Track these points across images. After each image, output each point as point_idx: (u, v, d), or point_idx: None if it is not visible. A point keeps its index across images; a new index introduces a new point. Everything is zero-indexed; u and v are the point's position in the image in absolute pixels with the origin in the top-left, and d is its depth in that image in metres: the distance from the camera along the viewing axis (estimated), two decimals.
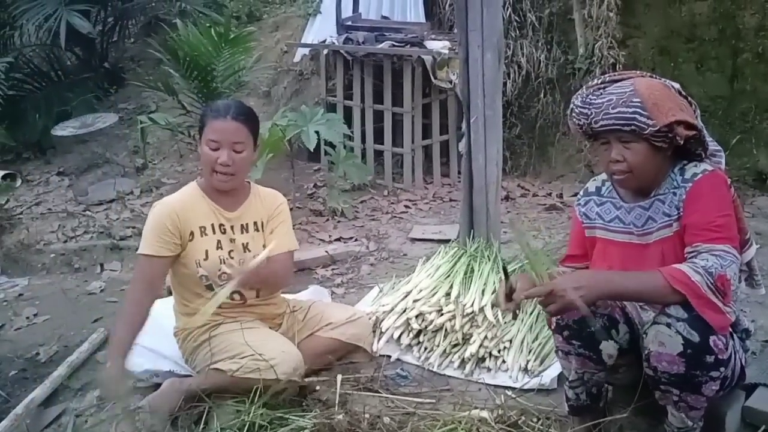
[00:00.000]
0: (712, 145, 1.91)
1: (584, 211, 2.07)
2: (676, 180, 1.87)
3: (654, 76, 1.90)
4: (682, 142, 1.81)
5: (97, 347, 2.93)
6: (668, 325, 1.71)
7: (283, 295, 2.66)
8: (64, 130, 5.61)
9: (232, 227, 2.42)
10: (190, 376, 2.43)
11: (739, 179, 4.13)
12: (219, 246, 2.38)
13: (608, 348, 1.89)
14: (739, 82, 4.17)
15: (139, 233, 4.26)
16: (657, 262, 1.87)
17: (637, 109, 1.77)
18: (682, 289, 1.68)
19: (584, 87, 1.93)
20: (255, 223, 2.46)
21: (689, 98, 1.89)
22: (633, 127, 1.78)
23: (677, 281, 1.69)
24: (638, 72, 1.92)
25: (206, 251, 2.36)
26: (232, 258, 2.38)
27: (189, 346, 2.45)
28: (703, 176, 1.82)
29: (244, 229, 2.44)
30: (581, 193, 2.12)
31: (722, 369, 1.73)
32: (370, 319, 2.69)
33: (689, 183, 1.83)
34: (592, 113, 1.84)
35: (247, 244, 2.42)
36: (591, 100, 1.85)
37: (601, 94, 1.84)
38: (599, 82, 1.89)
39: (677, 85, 1.89)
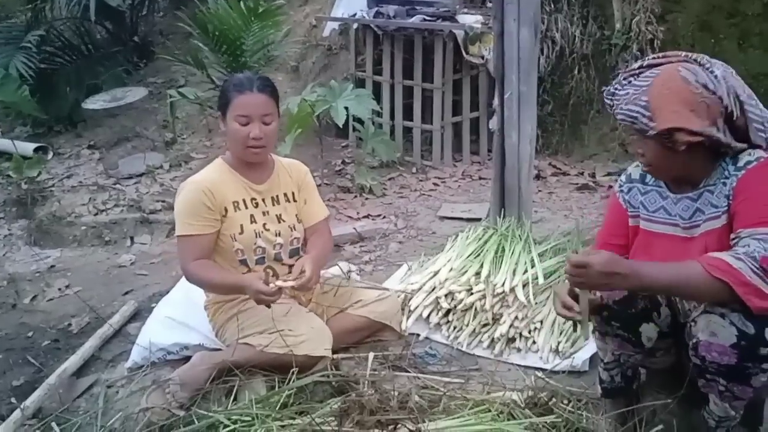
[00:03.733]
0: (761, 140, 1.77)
1: (627, 199, 1.98)
2: (727, 169, 1.77)
3: (699, 60, 1.76)
4: (683, 149, 1.71)
5: (127, 319, 2.95)
6: (722, 315, 1.64)
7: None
8: (94, 103, 5.64)
9: (263, 200, 2.43)
10: (220, 349, 2.44)
11: None
12: (253, 220, 2.39)
13: (648, 331, 1.84)
14: None
15: (169, 207, 4.36)
16: (700, 255, 1.77)
17: (641, 110, 1.72)
18: (724, 277, 1.58)
19: (625, 70, 1.87)
20: (285, 195, 2.48)
21: (713, 89, 1.70)
22: (637, 126, 1.74)
23: (718, 269, 1.60)
24: (681, 54, 1.79)
25: (241, 225, 2.37)
26: (267, 230, 2.40)
27: (219, 319, 2.45)
28: (757, 164, 1.73)
29: (275, 201, 2.45)
30: (623, 178, 2.02)
31: None
32: (398, 297, 2.67)
33: (741, 171, 1.74)
34: (613, 104, 1.82)
35: (280, 215, 2.44)
36: (615, 89, 1.82)
37: (626, 84, 1.79)
38: (637, 66, 1.81)
39: (720, 70, 1.73)
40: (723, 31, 4.21)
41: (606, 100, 1.88)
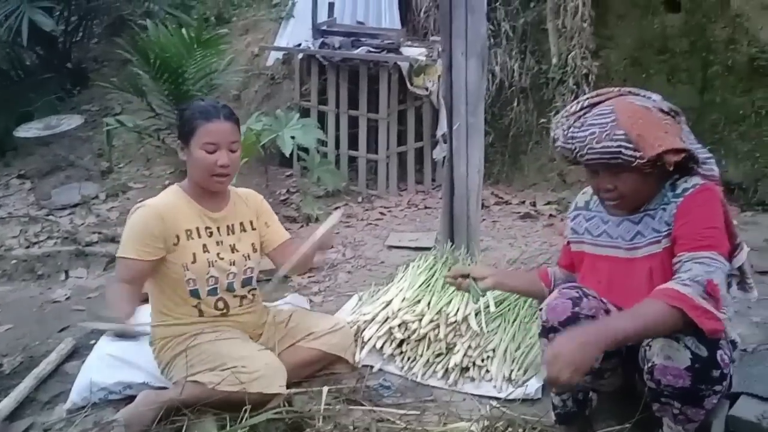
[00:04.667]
0: (702, 153, 1.88)
1: (572, 226, 2.08)
2: (667, 195, 1.86)
3: (632, 91, 1.87)
4: (672, 168, 1.80)
5: (64, 358, 2.80)
6: (677, 339, 1.70)
7: (264, 304, 2.60)
8: (27, 131, 5.42)
9: (218, 228, 2.38)
10: (166, 388, 2.35)
11: None
12: (206, 249, 2.33)
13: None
14: (708, 93, 4.26)
15: (106, 238, 4.20)
16: (644, 277, 1.87)
17: (622, 143, 1.74)
18: (678, 304, 1.64)
19: (564, 114, 1.90)
20: (242, 224, 2.43)
21: (672, 110, 1.85)
22: (620, 160, 1.77)
23: (672, 298, 1.65)
24: (616, 89, 1.88)
25: (193, 254, 2.31)
26: (222, 259, 2.35)
27: (166, 356, 2.36)
28: (693, 191, 1.81)
29: (230, 230, 2.41)
30: (572, 206, 2.13)
31: (725, 383, 1.73)
32: (351, 328, 2.64)
33: (680, 198, 1.83)
34: (576, 148, 1.83)
35: (234, 245, 2.39)
36: (574, 133, 1.83)
37: (582, 125, 1.81)
38: (578, 108, 1.86)
39: (657, 97, 1.86)
40: (653, 67, 4.43)
41: (565, 146, 1.86)
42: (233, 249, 2.39)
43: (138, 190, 5.05)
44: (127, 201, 4.86)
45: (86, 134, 5.94)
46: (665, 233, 1.84)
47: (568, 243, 2.12)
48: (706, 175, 1.87)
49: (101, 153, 5.65)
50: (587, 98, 1.88)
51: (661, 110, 1.82)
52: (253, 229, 2.47)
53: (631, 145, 1.74)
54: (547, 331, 1.91)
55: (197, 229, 2.34)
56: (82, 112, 6.25)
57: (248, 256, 2.41)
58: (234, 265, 2.37)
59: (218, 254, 2.35)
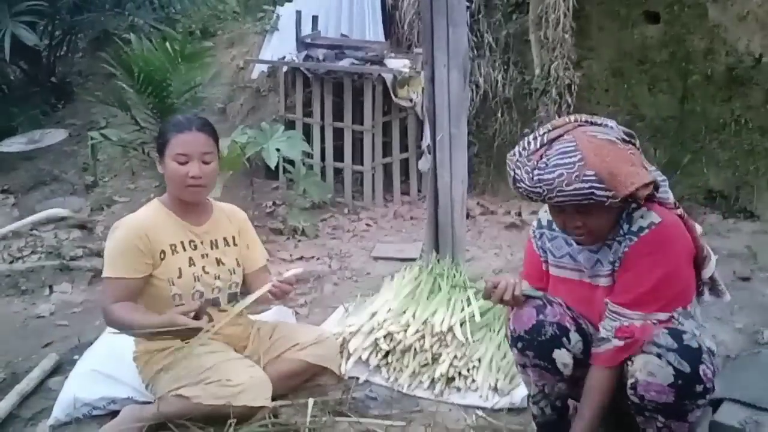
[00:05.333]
0: (658, 177, 1.86)
1: (539, 244, 2.07)
2: (623, 228, 1.85)
3: (589, 120, 1.81)
4: (642, 202, 1.81)
5: (48, 373, 2.78)
6: (658, 356, 1.72)
7: (249, 316, 2.59)
8: (9, 146, 5.39)
9: (202, 242, 2.37)
10: (150, 402, 2.33)
11: (690, 198, 4.25)
12: (192, 263, 2.33)
13: (562, 357, 1.90)
14: (689, 103, 4.30)
15: (91, 253, 4.17)
16: (603, 308, 1.90)
17: (593, 184, 1.69)
18: (615, 363, 1.84)
19: (524, 153, 1.79)
20: (225, 239, 2.43)
21: (629, 135, 1.81)
22: (591, 200, 1.72)
23: (611, 360, 1.85)
24: (572, 120, 1.81)
25: (179, 269, 2.30)
26: (207, 273, 2.34)
27: (150, 370, 2.35)
28: (649, 232, 1.80)
29: (213, 244, 2.40)
30: (535, 224, 2.10)
31: (708, 396, 1.75)
32: (336, 339, 2.64)
33: (635, 236, 1.82)
34: (544, 191, 1.74)
35: (220, 258, 2.39)
36: (539, 176, 1.73)
37: (547, 166, 1.72)
38: (538, 145, 1.77)
39: (613, 124, 1.82)
40: (634, 77, 4.48)
41: (531, 190, 1.77)
42: (219, 262, 2.39)
43: (123, 204, 5.02)
44: (112, 215, 4.82)
45: (71, 148, 5.91)
46: (612, 269, 1.88)
47: (540, 261, 2.08)
48: (662, 202, 1.86)
49: (86, 167, 5.61)
50: (544, 133, 1.80)
51: (623, 140, 1.78)
52: (236, 244, 2.46)
53: (602, 185, 1.69)
54: (515, 341, 1.93)
55: (181, 243, 2.33)
56: (66, 127, 6.21)
57: (233, 270, 2.41)
58: (219, 279, 2.37)
59: (203, 267, 2.34)
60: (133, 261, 2.23)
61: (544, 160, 1.74)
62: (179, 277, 2.30)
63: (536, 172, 1.74)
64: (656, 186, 1.82)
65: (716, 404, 2.14)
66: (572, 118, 1.82)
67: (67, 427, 2.35)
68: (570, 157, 1.71)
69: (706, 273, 1.95)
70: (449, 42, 2.82)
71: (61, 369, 2.81)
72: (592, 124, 1.80)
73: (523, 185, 1.79)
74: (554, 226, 1.98)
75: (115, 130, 5.08)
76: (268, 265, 2.61)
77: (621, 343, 1.81)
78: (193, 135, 2.27)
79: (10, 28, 5.59)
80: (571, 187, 1.70)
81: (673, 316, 1.82)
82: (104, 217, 4.82)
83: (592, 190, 1.70)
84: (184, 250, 2.33)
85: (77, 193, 5.28)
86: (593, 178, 1.68)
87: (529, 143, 1.80)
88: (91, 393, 2.42)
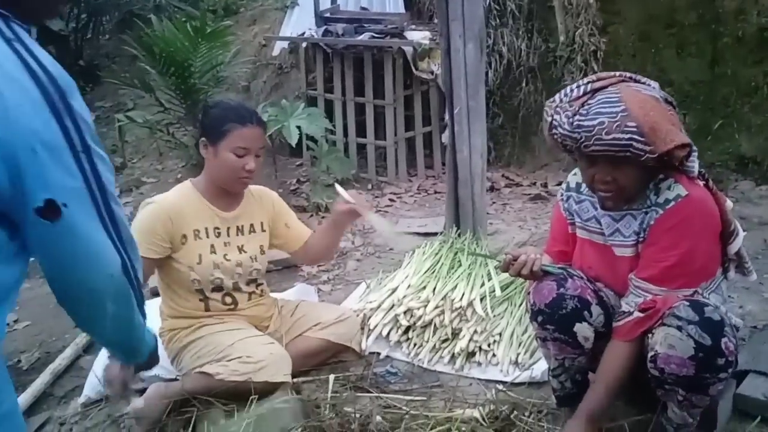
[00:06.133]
0: None
1: (566, 207, 2.05)
2: (650, 199, 1.82)
3: (633, 77, 1.79)
4: (677, 164, 1.76)
5: (80, 353, 2.86)
6: (679, 328, 1.69)
7: (272, 295, 2.62)
8: None
9: (228, 229, 2.38)
10: (176, 379, 2.39)
11: (721, 164, 4.15)
12: (213, 250, 2.34)
13: (583, 330, 1.88)
14: (719, 66, 4.18)
15: None
16: (626, 272, 1.88)
17: (634, 136, 1.65)
18: (633, 336, 1.81)
19: (565, 99, 1.77)
20: (251, 225, 2.44)
21: (670, 101, 1.80)
22: (628, 154, 1.68)
23: (629, 333, 1.82)
24: (616, 75, 1.79)
25: (199, 255, 2.32)
26: (228, 261, 2.35)
27: (174, 347, 2.40)
28: (675, 205, 1.77)
29: (239, 231, 2.41)
30: (563, 187, 2.08)
31: (730, 370, 1.72)
32: (357, 316, 2.65)
33: (661, 209, 1.79)
34: (582, 137, 1.71)
35: (242, 246, 2.40)
36: (579, 122, 1.70)
37: (588, 113, 1.70)
38: (580, 93, 1.75)
39: (656, 85, 1.79)
40: (662, 41, 4.36)
41: (569, 134, 1.74)
42: (241, 250, 2.39)
43: (151, 185, 5.10)
44: (140, 196, 4.90)
45: (100, 131, 5.99)
46: (638, 240, 1.85)
47: (567, 223, 2.07)
48: (688, 173, 1.81)
49: (115, 149, 5.70)
50: (587, 82, 1.78)
51: (665, 100, 1.76)
52: (263, 230, 2.47)
53: (642, 139, 1.65)
54: (535, 315, 1.92)
55: (206, 229, 2.34)
56: (95, 109, 6.31)
57: (255, 257, 2.43)
58: (240, 266, 2.38)
59: (225, 255, 2.35)
60: (149, 241, 2.25)
61: (585, 107, 1.72)
62: (199, 263, 2.32)
63: (577, 117, 1.71)
64: (687, 155, 1.78)
65: (741, 376, 2.11)
66: (616, 73, 1.81)
67: (98, 404, 2.41)
68: (613, 107, 1.68)
69: (732, 248, 1.90)
70: (464, 12, 2.78)
71: (92, 348, 2.89)
72: (636, 81, 1.79)
73: (560, 130, 1.76)
74: (582, 188, 1.97)
75: (141, 111, 5.15)
76: None
77: (641, 314, 1.79)
78: (254, 130, 2.28)
79: None
80: (611, 137, 1.67)
81: (697, 291, 1.79)
82: (133, 198, 4.91)
83: (632, 142, 1.66)
84: (207, 236, 2.34)
85: None
86: (634, 129, 1.65)
87: (571, 90, 1.78)
88: None
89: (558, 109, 1.78)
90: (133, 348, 1.38)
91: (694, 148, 1.82)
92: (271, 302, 2.59)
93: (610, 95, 1.71)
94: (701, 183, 1.84)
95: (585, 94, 1.75)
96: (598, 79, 1.78)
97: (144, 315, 1.30)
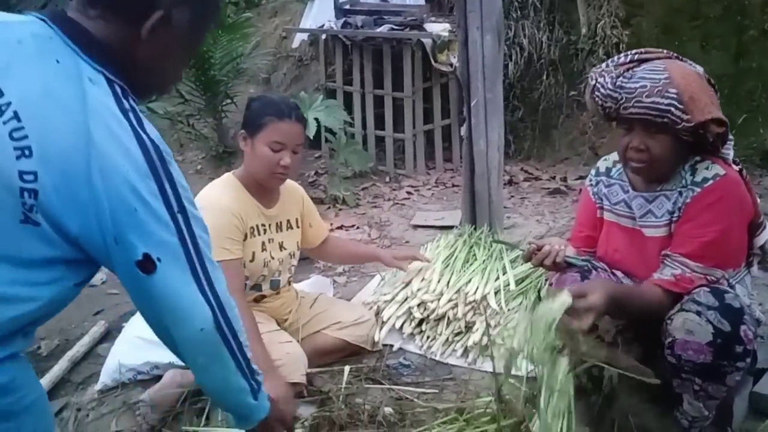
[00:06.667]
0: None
1: (596, 191, 2.04)
2: (685, 178, 1.81)
3: (679, 57, 1.83)
4: (711, 140, 1.75)
5: (98, 340, 2.90)
6: (698, 313, 1.67)
7: (295, 288, 2.63)
8: None
9: (270, 225, 2.37)
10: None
11: (745, 159, 4.06)
12: (263, 247, 2.34)
13: (604, 323, 1.84)
14: (744, 59, 4.10)
15: None
16: (656, 254, 1.85)
17: (673, 102, 1.68)
18: (667, 287, 1.76)
19: (610, 64, 1.82)
20: (288, 221, 2.44)
21: (712, 82, 1.82)
22: (666, 120, 1.70)
23: (662, 282, 1.78)
24: (665, 52, 1.83)
25: (253, 252, 2.31)
26: (273, 258, 2.36)
27: None
28: (714, 183, 1.77)
29: (279, 227, 2.41)
30: (592, 173, 2.08)
31: (748, 359, 1.70)
32: (371, 309, 2.65)
33: (698, 188, 1.78)
34: (622, 98, 1.75)
35: (282, 242, 2.40)
36: (622, 83, 1.75)
37: (632, 77, 1.75)
38: (627, 59, 1.80)
39: (701, 69, 1.82)
40: (686, 34, 4.28)
41: (609, 94, 1.77)
42: (281, 247, 2.39)
43: None
44: None
45: None
46: (676, 219, 1.82)
47: (596, 208, 2.06)
48: (724, 158, 1.83)
49: None
50: (635, 53, 1.82)
51: (708, 81, 1.79)
52: (298, 227, 2.47)
53: (681, 106, 1.68)
54: None
55: (257, 226, 2.32)
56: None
57: (293, 254, 2.44)
58: (282, 263, 2.39)
59: (271, 253, 2.36)
60: (236, 241, 2.22)
61: (630, 72, 1.76)
62: (252, 260, 2.31)
63: (621, 79, 1.75)
64: (726, 137, 1.79)
65: (758, 374, 2.07)
66: (664, 50, 1.85)
67: (114, 391, 2.45)
68: (657, 74, 1.72)
69: (759, 241, 1.89)
70: (482, 3, 2.75)
71: (109, 336, 2.92)
72: (682, 60, 1.83)
73: (602, 90, 1.79)
74: (612, 173, 1.99)
75: (162, 103, 5.19)
76: None
77: (674, 279, 1.78)
78: (292, 125, 2.24)
79: (59, 5, 5.74)
80: (650, 100, 1.70)
81: (725, 276, 1.78)
82: None
83: (671, 108, 1.69)
84: (258, 234, 2.33)
85: None
86: (675, 96, 1.68)
87: (618, 58, 1.83)
88: (135, 359, 2.51)
89: (603, 72, 1.82)
90: (233, 410, 1.39)
91: (731, 137, 1.83)
92: (294, 295, 2.59)
93: (656, 65, 1.76)
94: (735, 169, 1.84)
95: (632, 62, 1.80)
96: (646, 52, 1.83)
97: (252, 381, 1.33)
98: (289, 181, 2.52)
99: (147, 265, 1.13)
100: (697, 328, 1.66)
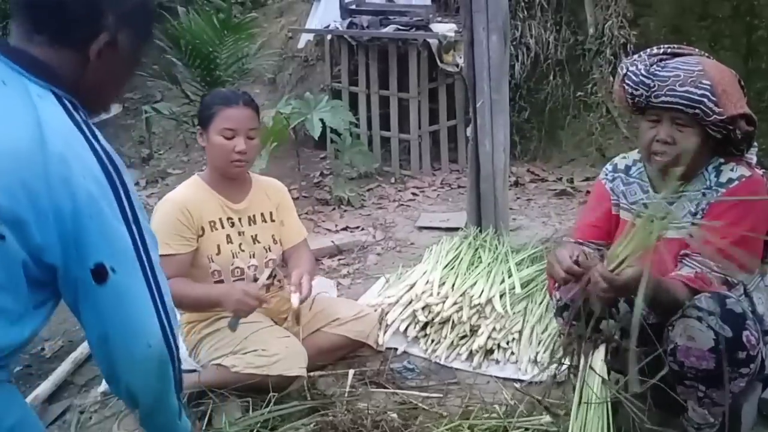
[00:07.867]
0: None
1: (611, 187, 2.00)
2: (709, 179, 1.79)
3: (711, 57, 1.83)
4: (740, 137, 1.73)
5: None
6: (699, 319, 1.65)
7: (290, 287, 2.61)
8: None
9: (240, 219, 2.38)
10: (194, 370, 2.39)
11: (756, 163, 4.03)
12: (229, 240, 2.35)
13: (610, 328, 1.82)
14: (754, 60, 4.06)
15: None
16: (672, 259, 1.81)
17: (707, 93, 1.67)
18: (696, 285, 1.70)
19: (643, 54, 1.83)
20: (262, 215, 2.43)
21: (742, 83, 1.81)
22: (697, 111, 1.68)
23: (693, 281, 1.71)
24: (697, 50, 1.84)
25: (218, 246, 2.33)
26: (242, 251, 2.36)
27: (193, 339, 2.41)
28: (739, 184, 1.74)
29: (251, 220, 2.41)
30: (609, 167, 2.04)
31: (752, 365, 1.67)
32: (375, 311, 2.64)
33: (722, 188, 1.76)
34: (655, 86, 1.74)
35: (256, 236, 2.40)
36: (656, 71, 1.74)
37: (666, 66, 1.74)
38: (660, 51, 1.80)
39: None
40: (694, 34, 4.24)
41: (642, 80, 1.75)
42: (254, 240, 2.39)
43: (177, 176, 5.14)
44: (166, 187, 4.95)
45: (128, 122, 6.07)
46: (699, 220, 1.79)
47: (612, 203, 2.01)
48: (748, 162, 1.81)
49: (142, 140, 5.77)
50: (668, 46, 1.83)
51: (738, 80, 1.79)
52: (273, 220, 2.46)
53: (714, 98, 1.68)
54: (561, 310, 1.88)
55: (220, 219, 2.35)
56: (123, 101, 6.36)
57: (268, 247, 2.42)
58: (254, 257, 2.38)
59: (240, 245, 2.36)
60: (180, 236, 2.25)
61: (664, 62, 1.76)
62: (218, 254, 2.32)
63: (654, 67, 1.75)
64: (752, 137, 1.78)
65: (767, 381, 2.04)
66: (695, 49, 1.86)
67: None
68: (691, 66, 1.72)
69: None
70: (488, 4, 2.73)
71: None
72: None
73: (634, 78, 1.77)
74: (632, 171, 1.96)
75: (168, 103, 5.19)
76: (316, 234, 2.60)
77: (694, 276, 1.75)
78: (240, 110, 2.27)
79: None
80: (684, 89, 1.69)
81: (743, 282, 1.77)
82: (159, 189, 4.95)
83: (704, 99, 1.68)
84: (223, 227, 2.34)
85: (134, 166, 5.43)
86: (708, 87, 1.67)
87: (652, 49, 1.83)
88: None
89: (635, 62, 1.82)
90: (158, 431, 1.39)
91: (755, 144, 1.82)
92: (289, 295, 2.58)
93: (690, 58, 1.76)
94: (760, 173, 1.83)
95: (666, 54, 1.79)
96: (679, 47, 1.83)
97: (180, 401, 1.34)
98: (271, 180, 2.55)
99: (101, 273, 1.14)
100: (698, 334, 1.65)
